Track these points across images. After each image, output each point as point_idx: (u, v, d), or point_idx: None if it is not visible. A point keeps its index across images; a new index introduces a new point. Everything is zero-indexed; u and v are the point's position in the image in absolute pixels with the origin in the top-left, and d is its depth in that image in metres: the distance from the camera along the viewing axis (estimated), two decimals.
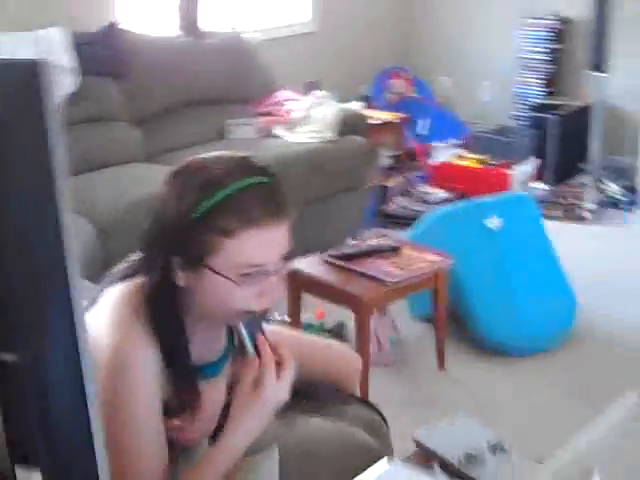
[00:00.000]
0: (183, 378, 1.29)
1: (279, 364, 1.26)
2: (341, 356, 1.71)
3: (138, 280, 1.31)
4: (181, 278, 1.25)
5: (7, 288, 0.73)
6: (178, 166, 1.30)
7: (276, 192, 1.25)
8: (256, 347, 1.26)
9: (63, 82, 3.33)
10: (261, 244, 1.22)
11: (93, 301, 1.32)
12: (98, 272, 3.07)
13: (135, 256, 1.37)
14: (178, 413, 1.31)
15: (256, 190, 1.23)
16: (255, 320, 1.28)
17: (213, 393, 1.36)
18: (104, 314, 1.28)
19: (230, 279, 1.22)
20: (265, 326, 1.33)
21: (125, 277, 1.33)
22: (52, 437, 0.75)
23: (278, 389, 1.25)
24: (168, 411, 1.31)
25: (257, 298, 1.25)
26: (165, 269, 1.25)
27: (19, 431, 0.76)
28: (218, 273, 1.22)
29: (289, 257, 1.28)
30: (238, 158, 1.29)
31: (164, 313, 1.26)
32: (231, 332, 1.42)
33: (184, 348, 1.29)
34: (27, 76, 0.70)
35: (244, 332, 1.27)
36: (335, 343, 1.83)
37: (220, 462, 1.26)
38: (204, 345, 1.35)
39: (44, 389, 0.74)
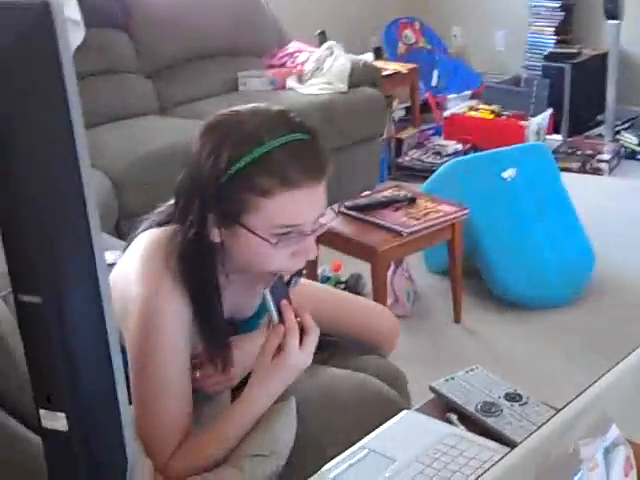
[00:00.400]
0: (214, 332, 1.29)
1: (302, 329, 1.25)
2: (377, 314, 1.70)
3: (170, 228, 1.29)
4: (216, 235, 1.23)
5: (30, 232, 0.72)
6: (212, 119, 1.25)
7: (314, 150, 1.22)
8: (280, 312, 1.24)
9: (71, 34, 3.29)
10: (298, 205, 1.20)
11: (126, 247, 1.32)
12: (113, 224, 3.10)
13: (167, 205, 1.35)
14: (207, 365, 1.32)
15: (295, 148, 1.20)
16: (280, 284, 1.25)
17: (246, 348, 1.35)
18: (135, 261, 1.28)
19: (266, 239, 1.20)
20: (302, 283, 1.31)
21: (158, 224, 1.32)
22: (76, 380, 0.75)
23: (301, 355, 1.24)
24: (196, 363, 1.32)
25: (292, 258, 1.24)
26: (199, 224, 1.22)
27: (44, 374, 0.76)
28: (254, 232, 1.20)
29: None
30: (275, 113, 1.25)
31: (197, 268, 1.25)
32: None
33: (216, 302, 1.28)
34: (40, 16, 0.68)
35: (269, 297, 1.23)
36: (370, 302, 1.83)
37: (239, 423, 1.26)
38: (238, 300, 1.34)
39: (67, 331, 0.74)
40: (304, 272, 1.36)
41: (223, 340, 1.30)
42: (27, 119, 0.70)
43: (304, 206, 1.21)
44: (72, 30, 3.35)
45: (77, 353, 0.76)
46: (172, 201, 1.33)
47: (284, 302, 1.24)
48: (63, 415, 0.77)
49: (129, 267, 1.28)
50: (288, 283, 1.29)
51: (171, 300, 1.23)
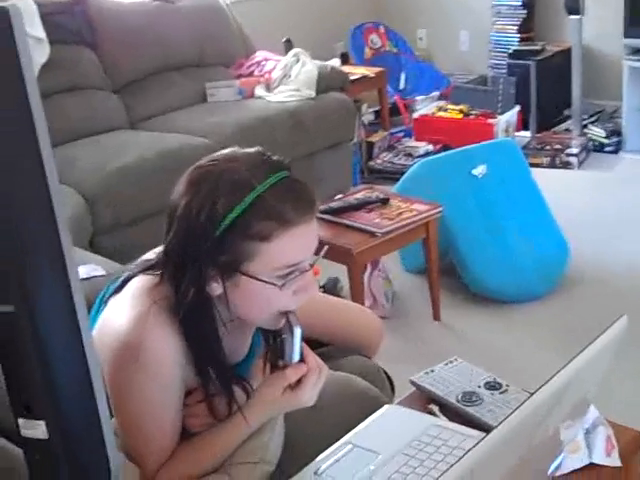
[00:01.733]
0: (220, 380, 1.27)
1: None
2: (360, 316, 1.70)
3: (156, 275, 1.26)
4: (216, 288, 1.21)
5: (3, 243, 0.72)
6: (194, 173, 1.22)
7: (301, 185, 1.22)
8: (300, 353, 1.24)
9: (35, 53, 3.28)
10: (298, 242, 1.19)
11: (117, 289, 1.30)
12: (88, 239, 3.08)
13: (156, 252, 1.32)
14: (195, 405, 1.30)
15: (283, 187, 1.19)
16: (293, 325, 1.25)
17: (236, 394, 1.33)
18: (120, 306, 1.26)
19: (270, 283, 1.19)
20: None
21: (148, 269, 1.30)
22: (54, 387, 0.75)
23: (313, 395, 1.26)
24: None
25: (293, 296, 1.23)
26: (198, 282, 1.20)
27: (21, 383, 0.76)
28: (257, 278, 1.18)
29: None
30: (254, 154, 1.24)
31: (199, 325, 1.23)
32: (261, 331, 1.39)
33: (220, 355, 1.26)
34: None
35: (297, 338, 1.22)
36: (354, 304, 1.83)
37: (233, 440, 1.27)
38: (231, 345, 1.33)
39: (42, 339, 0.74)
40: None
41: (227, 387, 1.28)
42: None
43: (303, 243, 1.21)
44: (36, 48, 3.33)
45: (53, 360, 0.75)
46: (157, 250, 1.31)
47: (304, 345, 1.25)
48: (43, 423, 0.77)
49: (113, 312, 1.26)
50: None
51: (158, 335, 1.20)
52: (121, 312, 1.24)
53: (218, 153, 1.26)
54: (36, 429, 0.77)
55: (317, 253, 1.28)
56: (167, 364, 1.22)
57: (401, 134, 4.95)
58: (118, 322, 1.23)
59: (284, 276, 1.20)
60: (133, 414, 1.24)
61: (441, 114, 4.74)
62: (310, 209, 1.21)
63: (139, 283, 1.28)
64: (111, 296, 1.30)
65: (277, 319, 1.25)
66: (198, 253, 1.18)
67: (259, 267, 1.18)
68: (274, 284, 1.19)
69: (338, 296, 2.94)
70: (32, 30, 3.33)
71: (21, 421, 0.77)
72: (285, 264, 1.19)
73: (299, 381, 1.24)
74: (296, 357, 1.24)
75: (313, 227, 1.22)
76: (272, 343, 1.34)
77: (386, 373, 1.66)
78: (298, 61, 4.18)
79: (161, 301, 1.22)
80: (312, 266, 1.25)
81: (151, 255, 1.34)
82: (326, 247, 1.32)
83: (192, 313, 1.22)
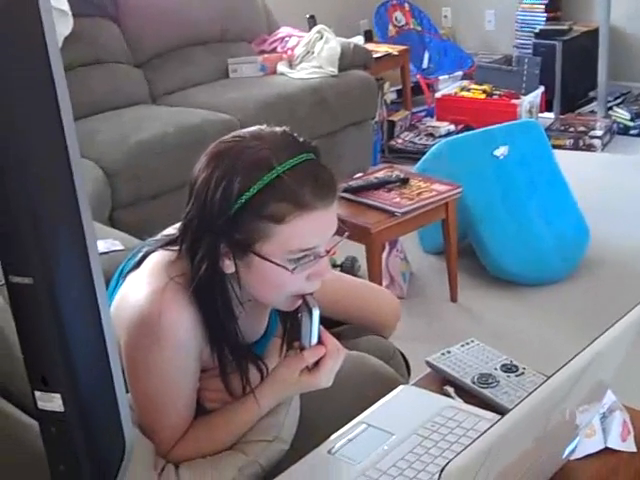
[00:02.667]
0: (235, 357, 1.27)
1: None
2: (377, 296, 1.70)
3: (175, 251, 1.26)
4: (229, 266, 1.20)
5: (20, 217, 0.72)
6: (215, 148, 1.22)
7: (323, 169, 1.20)
8: (318, 335, 1.23)
9: (59, 25, 3.28)
10: (313, 227, 1.17)
11: (136, 264, 1.30)
12: (107, 214, 3.10)
13: (176, 227, 1.31)
14: (212, 381, 1.31)
15: (304, 170, 1.17)
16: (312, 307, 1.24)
17: (251, 372, 1.33)
18: (138, 281, 1.26)
19: (282, 266, 1.17)
20: None
21: (162, 246, 1.29)
22: (70, 360, 0.75)
23: (330, 377, 1.25)
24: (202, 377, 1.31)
25: (307, 281, 1.21)
26: (211, 257, 1.19)
27: (38, 356, 0.76)
28: (269, 260, 1.17)
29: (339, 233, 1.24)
30: (280, 134, 1.22)
31: (213, 302, 1.23)
32: (277, 312, 1.39)
33: (234, 333, 1.26)
34: None
35: (315, 320, 1.21)
36: (371, 284, 1.82)
37: (246, 421, 1.27)
38: (248, 324, 1.32)
39: (60, 312, 0.74)
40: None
41: (246, 364, 1.28)
42: (14, 106, 0.70)
43: (319, 228, 1.19)
44: (60, 20, 3.33)
45: (71, 333, 0.76)
46: (177, 225, 1.30)
47: (322, 327, 1.24)
48: (59, 396, 0.77)
49: (135, 282, 1.26)
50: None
51: (175, 311, 1.20)
52: (138, 288, 1.24)
53: (244, 130, 1.25)
54: (52, 402, 0.77)
55: (340, 234, 1.27)
56: (183, 340, 1.22)
57: (423, 113, 4.92)
58: (135, 298, 1.23)
59: (296, 260, 1.18)
60: (149, 389, 1.25)
61: (464, 94, 4.70)
62: (329, 195, 1.18)
63: (157, 258, 1.27)
64: (130, 271, 1.31)
65: (291, 302, 1.24)
66: (213, 228, 1.18)
67: (272, 249, 1.17)
68: (286, 267, 1.18)
69: (355, 275, 2.95)
70: (56, 2, 3.32)
71: (38, 394, 0.78)
72: (299, 248, 1.17)
73: (317, 363, 1.24)
74: (314, 339, 1.23)
75: (331, 213, 1.20)
76: (289, 323, 1.34)
77: (402, 354, 1.66)
78: (321, 38, 4.15)
79: (178, 277, 1.22)
80: (328, 252, 1.22)
81: (171, 230, 1.34)
82: (346, 234, 1.30)
83: (205, 288, 1.21)
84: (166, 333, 1.20)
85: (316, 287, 1.24)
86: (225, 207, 1.16)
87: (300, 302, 1.24)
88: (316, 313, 1.21)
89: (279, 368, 1.27)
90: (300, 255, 1.18)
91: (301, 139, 1.23)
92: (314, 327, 1.22)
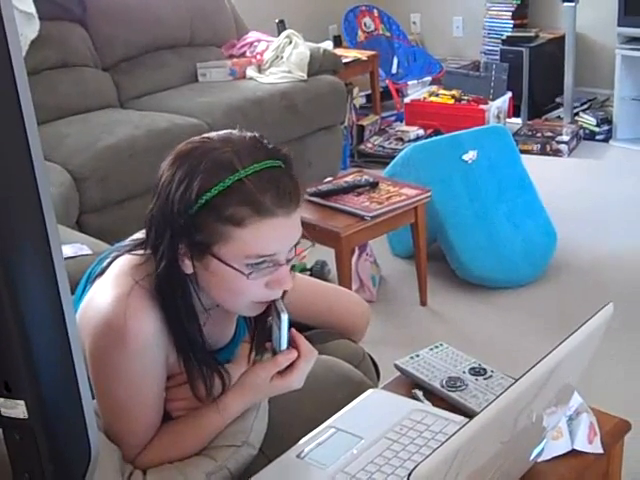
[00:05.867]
0: (199, 363, 1.26)
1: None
2: (347, 300, 1.69)
3: (142, 254, 1.26)
4: (187, 266, 1.20)
5: None
6: (182, 147, 1.21)
7: (289, 177, 1.19)
8: (288, 339, 1.23)
9: (25, 28, 3.24)
10: (273, 234, 1.16)
11: (103, 269, 1.28)
12: (75, 218, 3.06)
13: (144, 232, 1.30)
14: (177, 389, 1.30)
15: (267, 176, 1.16)
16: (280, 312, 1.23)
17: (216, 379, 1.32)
18: (103, 285, 1.25)
19: (239, 270, 1.16)
20: None
21: (129, 251, 1.28)
22: (34, 366, 0.74)
23: (302, 379, 1.25)
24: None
25: (266, 288, 1.21)
26: (170, 255, 1.19)
27: (1, 362, 0.75)
28: (226, 263, 1.16)
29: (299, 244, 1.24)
30: (249, 139, 1.21)
31: (173, 300, 1.22)
32: (244, 318, 1.38)
33: (197, 335, 1.25)
34: None
35: (284, 325, 1.21)
36: (341, 288, 1.82)
37: (216, 426, 1.26)
38: (214, 330, 1.32)
39: (24, 318, 0.73)
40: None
41: (209, 371, 1.27)
42: None
43: (279, 235, 1.18)
44: (26, 23, 3.30)
45: (34, 339, 0.75)
46: (141, 233, 1.30)
47: (293, 330, 1.24)
48: (22, 403, 0.76)
49: (97, 293, 1.25)
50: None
51: (140, 316, 1.19)
52: (104, 292, 1.23)
53: (214, 133, 1.24)
54: (16, 408, 0.76)
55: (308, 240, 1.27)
56: (149, 345, 1.21)
57: (392, 118, 4.94)
58: (100, 303, 1.22)
59: (254, 265, 1.17)
60: (114, 395, 1.23)
61: (433, 99, 4.73)
62: (291, 203, 1.18)
63: (123, 262, 1.27)
64: (97, 276, 1.30)
65: (253, 308, 1.24)
66: (174, 227, 1.17)
67: (230, 252, 1.16)
68: (242, 272, 1.17)
69: (325, 280, 2.94)
70: (22, 5, 3.29)
71: (0, 400, 0.76)
72: (257, 253, 1.16)
73: (289, 366, 1.24)
74: (284, 344, 1.23)
75: (292, 221, 1.19)
76: (257, 329, 1.33)
77: (371, 357, 1.66)
78: (290, 43, 4.15)
79: (142, 280, 1.22)
80: (289, 261, 1.22)
81: (139, 235, 1.33)
82: (311, 245, 1.29)
83: (166, 288, 1.21)
84: (131, 338, 1.19)
85: (277, 295, 1.23)
86: (186, 206, 1.15)
87: (263, 309, 1.24)
88: (285, 318, 1.20)
89: (250, 373, 1.26)
90: (258, 261, 1.17)
91: (271, 146, 1.22)
92: (283, 332, 1.22)
